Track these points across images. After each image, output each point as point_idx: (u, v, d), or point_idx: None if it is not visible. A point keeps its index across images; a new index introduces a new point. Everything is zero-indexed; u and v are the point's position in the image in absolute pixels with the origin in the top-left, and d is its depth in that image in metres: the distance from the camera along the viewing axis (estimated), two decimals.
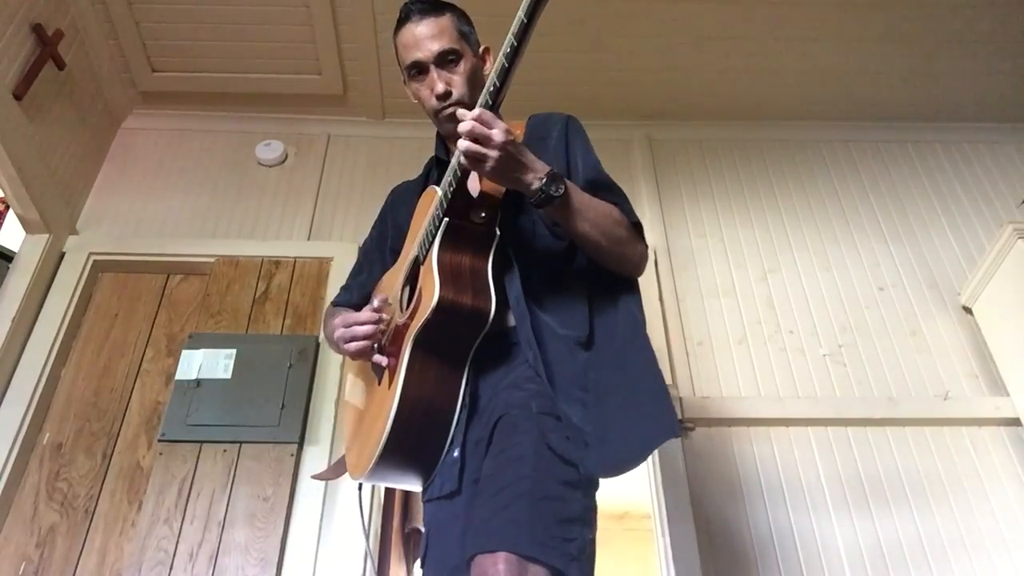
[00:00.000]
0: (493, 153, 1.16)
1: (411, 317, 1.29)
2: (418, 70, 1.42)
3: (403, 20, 1.44)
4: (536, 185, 1.20)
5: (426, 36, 1.40)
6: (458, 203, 1.28)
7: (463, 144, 1.16)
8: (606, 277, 1.36)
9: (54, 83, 2.61)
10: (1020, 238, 2.38)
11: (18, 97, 2.38)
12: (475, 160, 1.17)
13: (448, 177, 1.27)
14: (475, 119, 1.15)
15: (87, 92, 2.83)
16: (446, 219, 1.28)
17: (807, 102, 3.10)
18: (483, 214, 1.31)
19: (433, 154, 1.59)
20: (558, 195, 1.21)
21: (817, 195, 2.94)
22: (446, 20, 1.43)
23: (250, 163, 2.97)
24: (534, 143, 1.39)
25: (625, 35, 2.83)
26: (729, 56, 2.93)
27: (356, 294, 1.63)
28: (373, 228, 1.70)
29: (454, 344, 1.28)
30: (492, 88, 1.15)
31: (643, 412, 1.21)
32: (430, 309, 1.21)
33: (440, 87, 1.39)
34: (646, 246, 1.40)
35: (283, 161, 2.98)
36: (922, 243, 2.80)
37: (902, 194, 2.95)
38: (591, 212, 1.28)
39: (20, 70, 2.41)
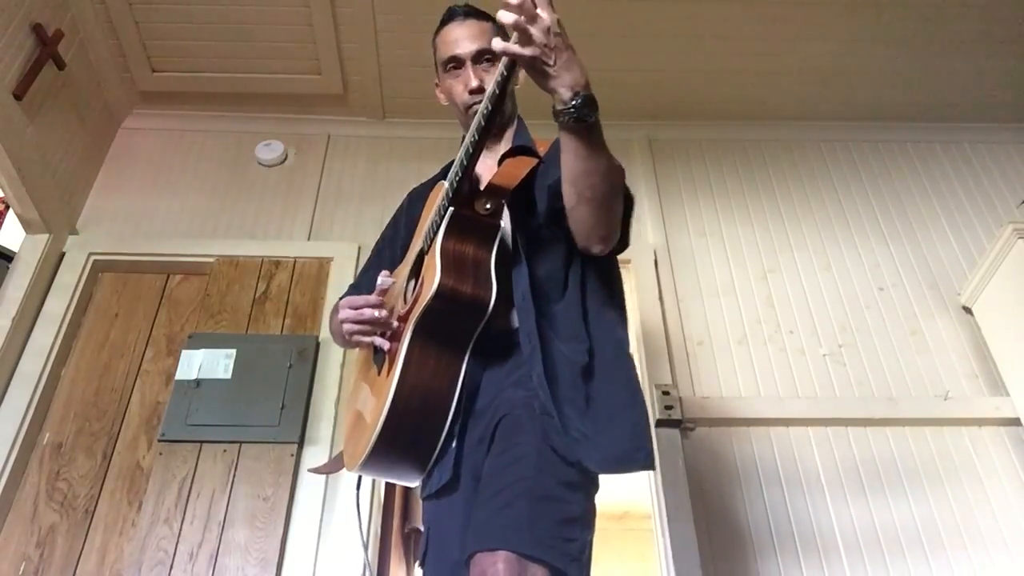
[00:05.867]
0: (538, 34, 1.06)
1: (413, 305, 1.29)
2: (455, 64, 1.47)
3: (446, 20, 1.51)
4: (568, 96, 1.11)
5: (467, 36, 1.47)
6: (464, 192, 1.28)
7: (506, 16, 1.07)
8: (599, 288, 1.37)
9: (54, 83, 2.61)
10: (1020, 238, 2.38)
11: (18, 97, 2.38)
12: (521, 34, 1.07)
13: (455, 167, 1.28)
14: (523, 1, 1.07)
15: (87, 92, 2.83)
16: (451, 208, 1.28)
17: (807, 102, 3.10)
18: (488, 205, 1.31)
19: (437, 152, 1.60)
20: (587, 120, 1.13)
21: (817, 195, 2.94)
22: (488, 26, 1.49)
23: (250, 163, 2.97)
24: (552, 161, 1.38)
25: (625, 35, 2.83)
26: (729, 56, 2.93)
27: (365, 290, 1.62)
28: (387, 227, 1.71)
29: (453, 333, 1.27)
30: (501, 77, 1.15)
31: (627, 431, 1.22)
32: (430, 295, 1.22)
33: (474, 82, 1.44)
34: (627, 220, 1.36)
35: (283, 161, 2.98)
36: (922, 243, 2.80)
37: (902, 194, 2.95)
38: (606, 156, 1.20)
39: (20, 70, 2.41)
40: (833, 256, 2.76)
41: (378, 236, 1.75)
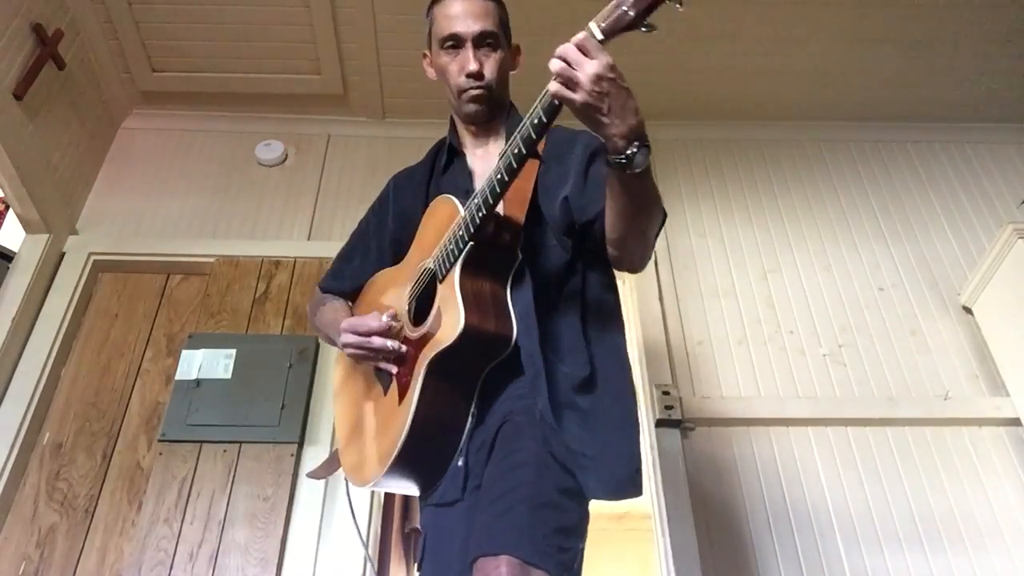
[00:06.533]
0: (586, 81, 1.02)
1: (427, 335, 1.27)
2: (454, 43, 1.39)
3: None
4: (622, 145, 1.06)
5: (471, 13, 1.38)
6: (487, 228, 1.24)
7: (555, 63, 1.03)
8: (599, 294, 1.36)
9: (54, 83, 2.61)
10: (1020, 238, 2.38)
11: (18, 97, 2.38)
12: (566, 84, 1.03)
13: (477, 201, 1.21)
14: (576, 43, 1.03)
15: (87, 92, 2.83)
16: (471, 243, 1.24)
17: (807, 102, 3.10)
18: (507, 237, 1.28)
19: (439, 140, 1.55)
20: (640, 168, 1.08)
21: (817, 195, 2.94)
22: (492, 5, 1.42)
23: (250, 163, 2.97)
24: (553, 159, 1.37)
25: (625, 35, 2.82)
26: (729, 56, 2.93)
27: (349, 283, 1.57)
28: (371, 213, 1.63)
29: (471, 367, 1.26)
30: (539, 121, 1.10)
31: (624, 456, 1.23)
32: (456, 335, 1.19)
33: (474, 66, 1.37)
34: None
35: (283, 161, 2.98)
36: (922, 243, 2.80)
37: (902, 194, 2.95)
38: (654, 193, 1.18)
39: (20, 70, 2.41)
40: (833, 256, 2.75)
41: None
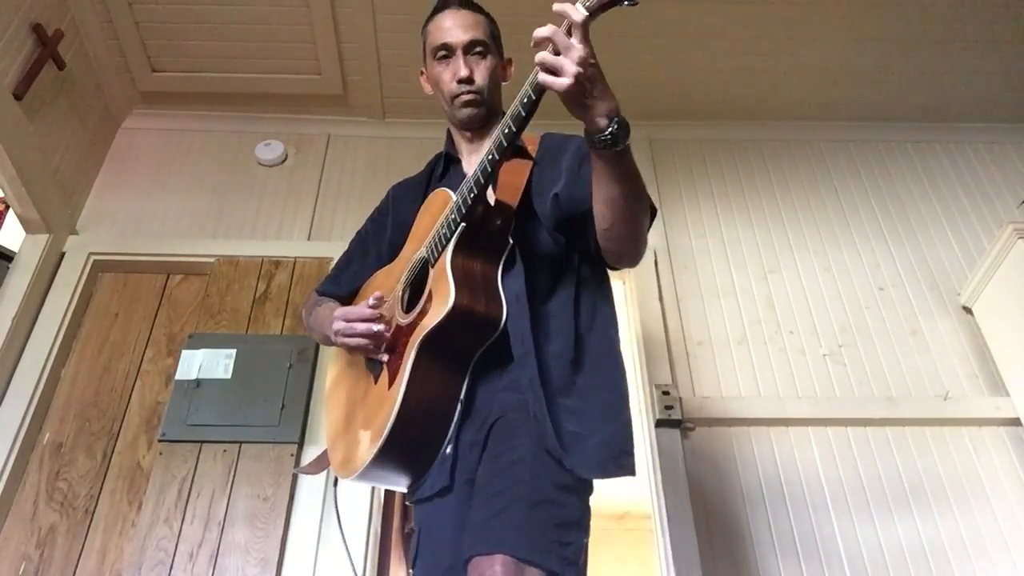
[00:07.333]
0: (571, 68, 1.05)
1: (418, 319, 1.28)
2: (445, 53, 1.47)
3: (440, 8, 1.51)
4: (604, 124, 1.10)
5: (460, 24, 1.46)
6: (477, 210, 1.27)
7: (540, 55, 1.07)
8: (593, 288, 1.37)
9: (54, 83, 2.61)
10: (1020, 238, 2.38)
11: (18, 97, 2.38)
12: (550, 72, 1.07)
13: (469, 183, 1.25)
14: (552, 34, 1.06)
15: (87, 92, 2.83)
16: (463, 224, 1.26)
17: (807, 102, 3.10)
18: (498, 222, 1.30)
19: (435, 153, 1.59)
20: (619, 148, 1.12)
21: (817, 195, 2.94)
22: (481, 18, 1.50)
23: (250, 163, 2.97)
24: (547, 161, 1.39)
25: (625, 35, 2.82)
26: (729, 56, 2.93)
27: (345, 287, 1.61)
28: (369, 222, 1.68)
29: (460, 350, 1.27)
30: (528, 100, 1.13)
31: (612, 435, 1.23)
32: (444, 313, 1.20)
33: (464, 71, 1.43)
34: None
35: (283, 161, 2.98)
36: (922, 243, 2.80)
37: (902, 194, 2.95)
38: (638, 177, 1.21)
39: (20, 70, 2.41)
40: (833, 256, 2.75)
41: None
